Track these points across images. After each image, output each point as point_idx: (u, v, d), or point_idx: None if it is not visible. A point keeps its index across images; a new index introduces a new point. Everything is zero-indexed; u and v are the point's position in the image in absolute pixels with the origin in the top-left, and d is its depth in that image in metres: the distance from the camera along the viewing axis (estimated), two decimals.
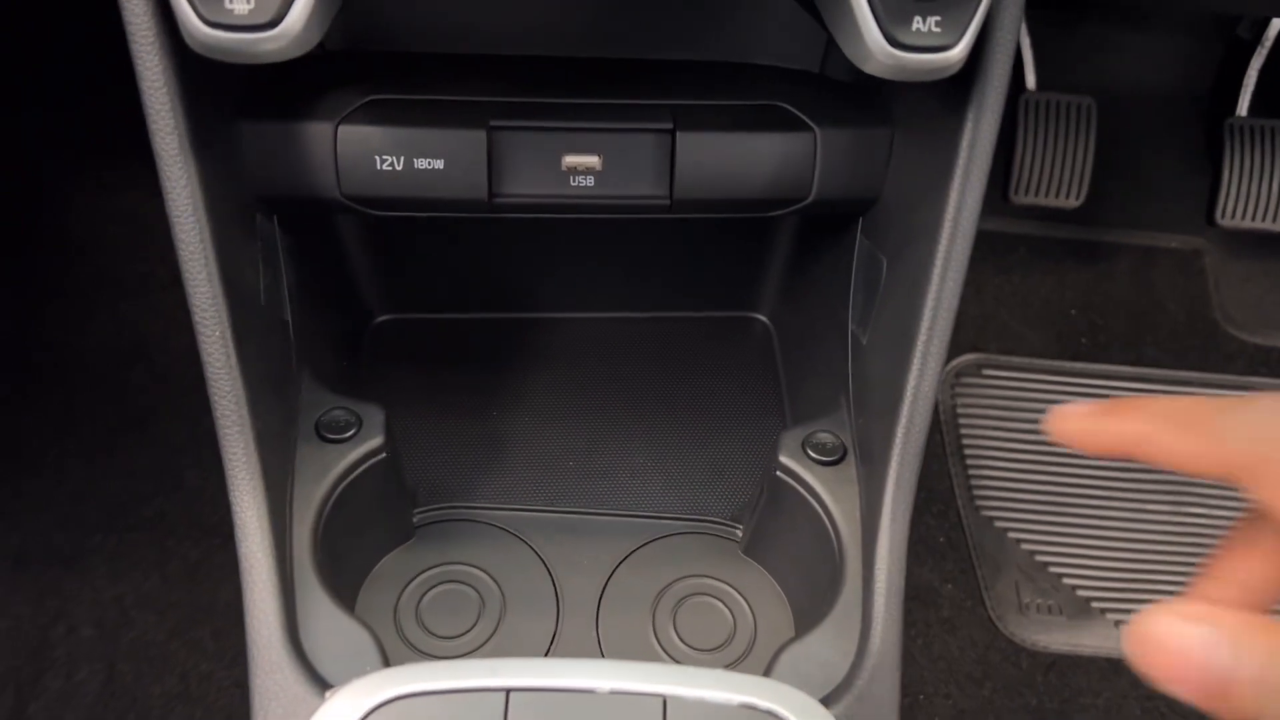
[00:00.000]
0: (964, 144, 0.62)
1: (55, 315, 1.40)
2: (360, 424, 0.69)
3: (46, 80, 1.53)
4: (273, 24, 0.51)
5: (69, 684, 1.13)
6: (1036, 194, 1.27)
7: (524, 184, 0.68)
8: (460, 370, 0.88)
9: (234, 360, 0.59)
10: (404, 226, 0.73)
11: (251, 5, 0.50)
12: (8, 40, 1.53)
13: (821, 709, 0.55)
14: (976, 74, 0.61)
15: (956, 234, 0.63)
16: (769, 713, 0.55)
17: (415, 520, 0.77)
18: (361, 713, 0.54)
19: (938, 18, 0.55)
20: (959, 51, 0.55)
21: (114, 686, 1.13)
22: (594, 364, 0.89)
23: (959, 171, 0.62)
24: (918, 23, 0.55)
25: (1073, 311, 1.44)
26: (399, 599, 0.72)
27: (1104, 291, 1.45)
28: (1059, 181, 1.27)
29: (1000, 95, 0.61)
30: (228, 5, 0.50)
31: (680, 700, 0.55)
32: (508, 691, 0.55)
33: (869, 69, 0.56)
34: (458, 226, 0.76)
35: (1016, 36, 0.61)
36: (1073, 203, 1.28)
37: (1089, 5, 1.05)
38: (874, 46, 0.55)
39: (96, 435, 1.31)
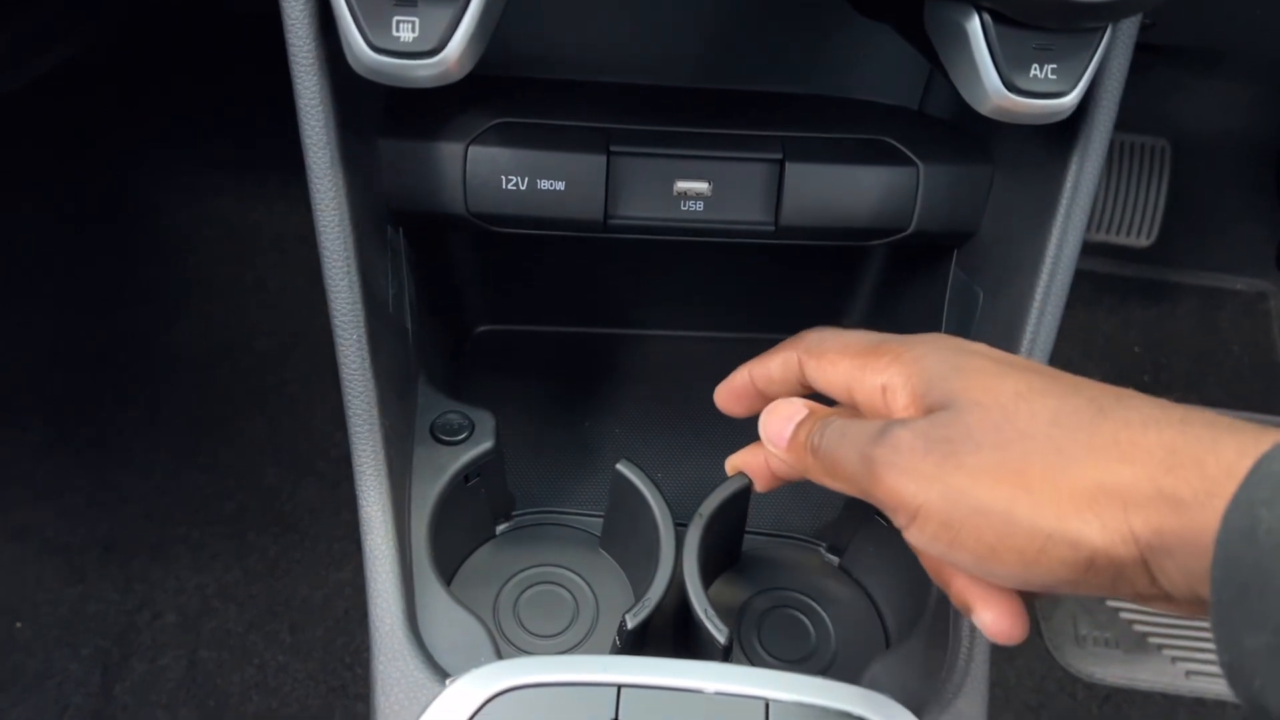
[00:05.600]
0: (1068, 184, 0.65)
1: (146, 315, 1.45)
2: (472, 428, 0.72)
3: (141, 88, 1.59)
4: (434, 52, 0.54)
5: (154, 668, 1.18)
6: (1108, 232, 1.29)
7: (637, 207, 0.72)
8: (554, 381, 0.91)
9: (368, 364, 0.63)
10: (509, 242, 0.76)
11: (416, 34, 0.54)
12: (103, 50, 1.59)
13: None
14: (1083, 118, 0.64)
15: (1056, 271, 0.65)
16: None
17: (510, 522, 0.80)
18: (480, 701, 0.57)
19: (1054, 65, 0.58)
20: (1072, 98, 0.58)
21: (195, 673, 1.18)
22: (681, 380, 0.92)
23: (1061, 211, 0.65)
24: (1035, 70, 0.58)
25: (1136, 349, 1.45)
26: (498, 595, 0.75)
27: (1168, 331, 1.47)
28: (1130, 220, 1.29)
29: (1105, 139, 0.64)
30: (394, 33, 0.54)
31: (782, 704, 0.58)
32: (619, 687, 0.58)
33: (984, 110, 0.59)
34: (559, 244, 0.80)
35: (1123, 83, 0.64)
36: (1143, 242, 1.30)
37: (1165, 49, 1.07)
38: (992, 90, 0.58)
39: (182, 432, 1.36)
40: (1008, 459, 0.45)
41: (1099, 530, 0.43)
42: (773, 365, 0.61)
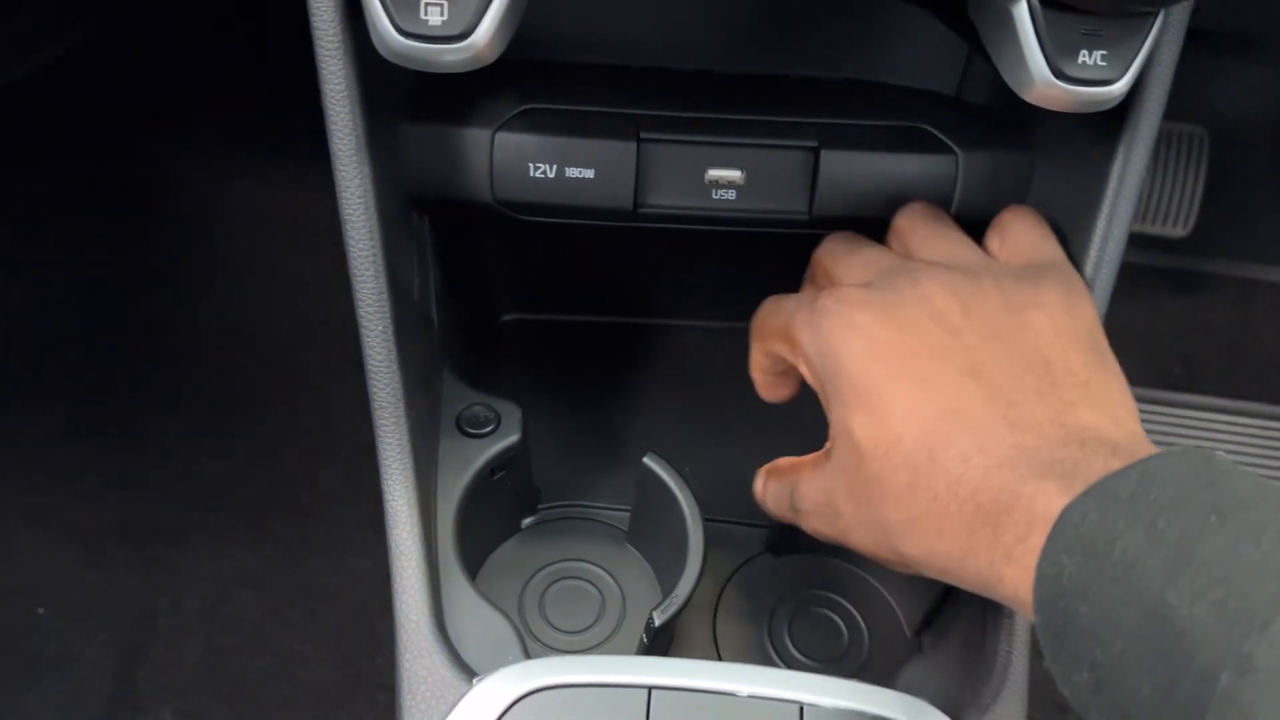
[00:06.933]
0: (1114, 175, 0.63)
1: (166, 299, 1.45)
2: (499, 420, 0.71)
3: (160, 71, 1.58)
4: (462, 36, 0.53)
5: (173, 654, 1.17)
6: (1143, 221, 1.27)
7: (667, 195, 0.70)
8: (579, 371, 0.90)
9: (394, 355, 0.61)
10: (534, 230, 0.75)
11: (445, 17, 0.53)
12: (122, 32, 1.58)
13: None
14: (1131, 106, 0.61)
15: (1102, 264, 0.63)
16: None
17: (535, 516, 0.79)
18: (508, 701, 0.56)
19: (1104, 52, 0.56)
20: (1122, 86, 0.56)
21: (214, 660, 1.18)
22: (709, 372, 0.90)
23: (1107, 202, 0.63)
24: (1084, 56, 0.56)
25: (1167, 341, 1.43)
26: (523, 590, 0.74)
27: (1201, 322, 1.44)
28: (1166, 210, 1.26)
29: (1154, 128, 0.62)
30: (422, 16, 0.53)
31: (817, 709, 0.56)
32: (650, 689, 0.56)
33: (1029, 98, 0.57)
34: (585, 232, 0.78)
35: (1173, 71, 0.62)
36: (1179, 232, 1.28)
37: (1202, 35, 1.04)
38: (1038, 77, 0.56)
39: (200, 416, 1.35)
40: (863, 518, 0.55)
41: (937, 577, 0.54)
42: (758, 359, 0.68)
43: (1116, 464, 0.44)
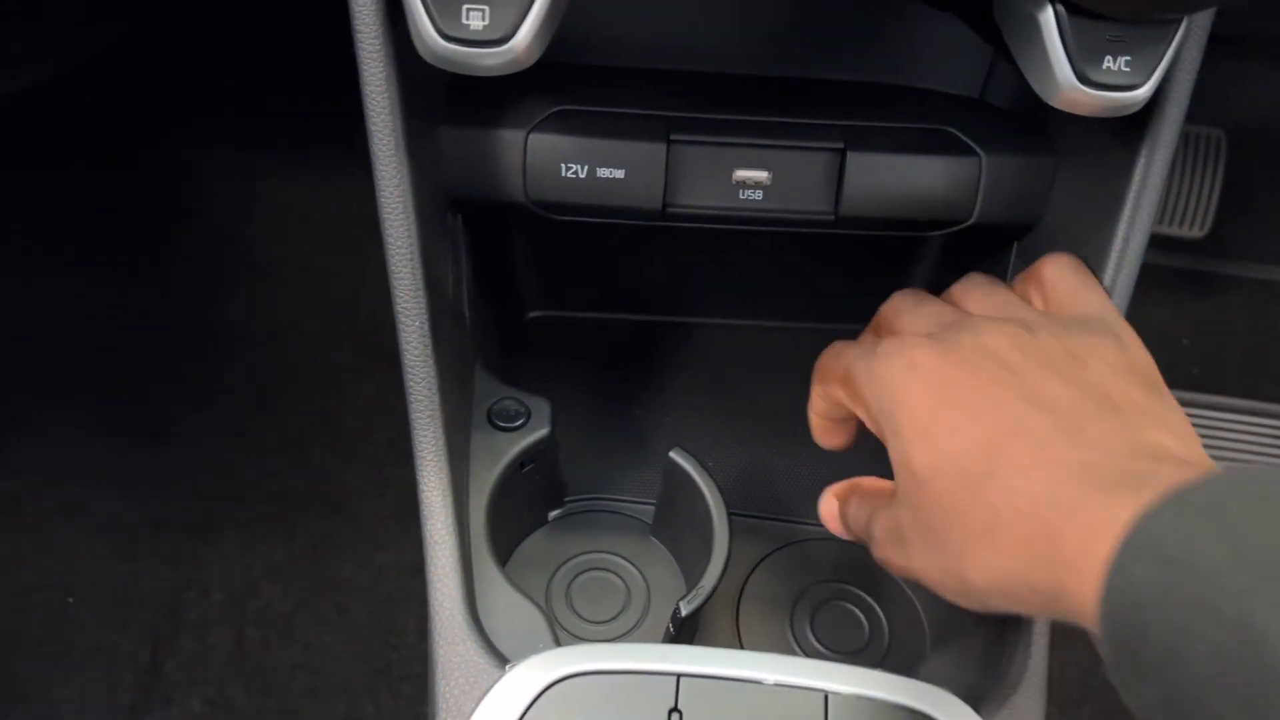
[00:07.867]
0: (1135, 178, 0.64)
1: (196, 295, 1.47)
2: (529, 414, 0.72)
3: (186, 70, 1.60)
4: (503, 40, 0.54)
5: (201, 646, 1.19)
6: (1160, 223, 1.27)
7: (696, 196, 0.71)
8: (605, 368, 0.91)
9: (430, 352, 0.63)
10: (563, 228, 0.76)
11: (486, 22, 0.54)
12: (147, 32, 1.60)
13: (976, 717, 0.58)
14: (1153, 110, 0.63)
15: (1122, 265, 0.64)
16: (926, 716, 0.57)
17: (561, 509, 0.81)
18: (540, 687, 0.58)
19: (1128, 58, 0.57)
20: (1145, 91, 0.57)
21: (243, 651, 1.20)
22: (732, 368, 0.92)
23: (1128, 205, 0.64)
24: (1108, 62, 0.57)
25: (1185, 342, 1.44)
26: (550, 581, 0.76)
27: (1219, 323, 1.45)
28: (1184, 212, 1.27)
29: (1175, 132, 0.63)
30: (464, 20, 0.54)
31: (841, 697, 0.58)
32: (679, 676, 0.58)
33: (1054, 102, 0.59)
34: (613, 230, 0.80)
35: (1195, 76, 0.63)
36: (1196, 233, 1.28)
37: (1221, 38, 1.05)
38: (1063, 82, 0.57)
39: (230, 412, 1.38)
40: (927, 545, 0.54)
41: (1001, 602, 0.51)
42: (817, 403, 0.66)
43: (1189, 476, 0.43)
